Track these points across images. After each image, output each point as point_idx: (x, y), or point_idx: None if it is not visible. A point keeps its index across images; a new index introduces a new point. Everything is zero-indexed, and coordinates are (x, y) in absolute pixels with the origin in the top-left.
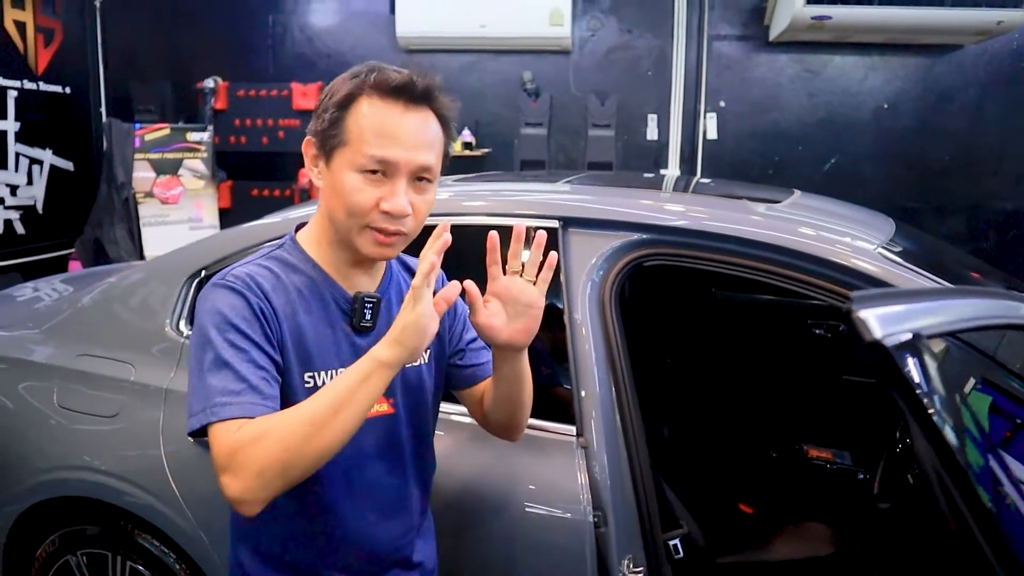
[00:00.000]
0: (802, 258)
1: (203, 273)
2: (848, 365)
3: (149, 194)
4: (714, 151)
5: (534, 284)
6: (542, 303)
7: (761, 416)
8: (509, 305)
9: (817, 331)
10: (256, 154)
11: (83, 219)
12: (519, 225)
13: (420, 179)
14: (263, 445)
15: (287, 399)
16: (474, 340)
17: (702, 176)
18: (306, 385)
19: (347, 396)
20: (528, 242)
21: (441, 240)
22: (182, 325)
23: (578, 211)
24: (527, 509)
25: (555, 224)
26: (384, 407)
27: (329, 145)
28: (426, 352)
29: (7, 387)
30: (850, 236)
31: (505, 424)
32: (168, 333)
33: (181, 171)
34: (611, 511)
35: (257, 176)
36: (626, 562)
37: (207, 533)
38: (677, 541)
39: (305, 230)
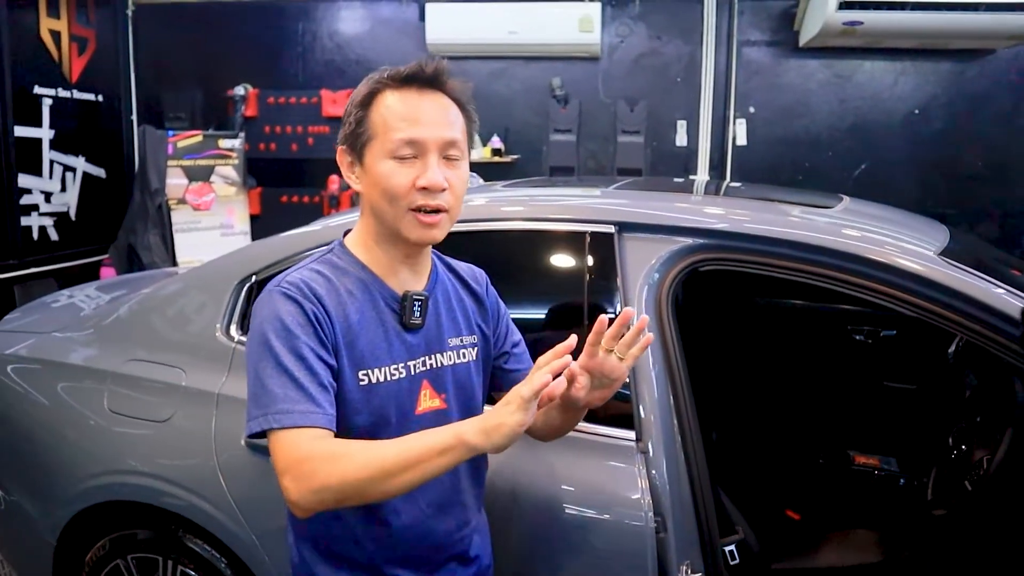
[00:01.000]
0: (863, 263)
1: (253, 278)
2: (889, 371)
3: (182, 201)
4: (743, 157)
5: (621, 360)
6: (625, 379)
7: (805, 422)
8: (596, 377)
9: (857, 337)
10: (286, 161)
11: (114, 226)
12: (628, 310)
13: (449, 156)
14: (330, 468)
15: (343, 397)
16: (517, 344)
17: (731, 182)
18: (360, 383)
19: (421, 459)
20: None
21: (561, 362)
22: (233, 330)
23: (635, 216)
24: (587, 514)
25: (611, 229)
26: (436, 402)
27: (359, 144)
28: (473, 350)
29: (56, 392)
30: (909, 241)
31: (542, 437)
32: (219, 338)
33: (213, 178)
34: (670, 516)
35: (286, 183)
36: (684, 568)
37: (259, 536)
38: (733, 547)
39: (352, 234)
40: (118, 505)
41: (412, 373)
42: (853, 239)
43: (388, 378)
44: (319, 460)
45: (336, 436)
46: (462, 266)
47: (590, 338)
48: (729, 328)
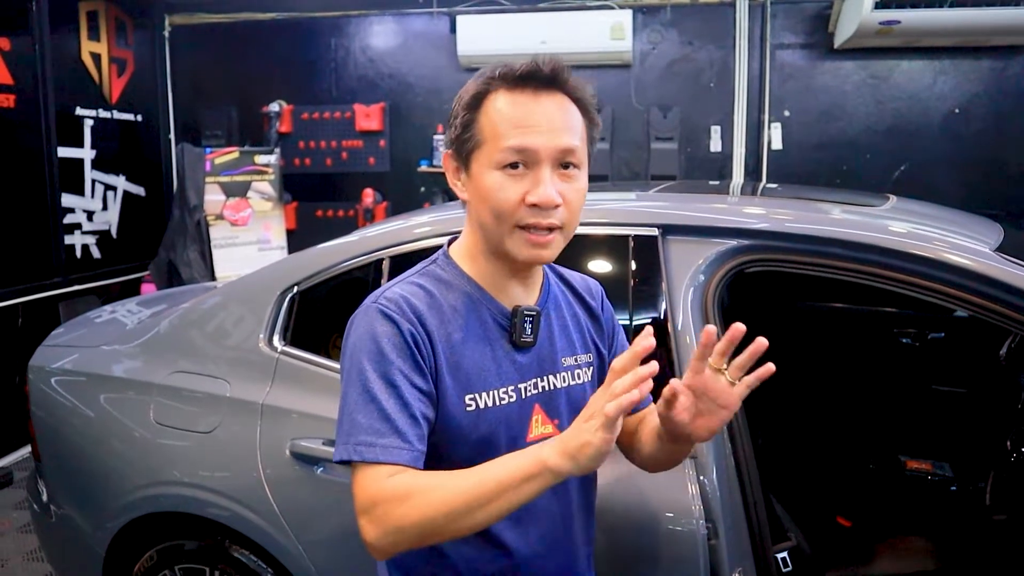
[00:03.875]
0: (917, 261)
1: (295, 289)
2: (937, 375)
3: (219, 216)
4: (779, 161)
5: (732, 385)
6: (736, 409)
7: (853, 427)
8: (701, 401)
9: (904, 340)
10: (320, 175)
11: (154, 243)
12: (738, 325)
13: (566, 165)
14: (406, 507)
15: (448, 423)
16: None
17: (769, 184)
18: (467, 408)
19: (503, 490)
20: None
21: (647, 369)
22: (275, 340)
23: (679, 218)
24: (638, 520)
25: (654, 232)
26: (549, 428)
27: (465, 150)
28: (588, 370)
29: (102, 405)
30: (962, 237)
31: (644, 466)
32: (262, 349)
33: (250, 193)
34: (722, 522)
35: (321, 197)
36: (737, 575)
37: (305, 546)
38: (785, 554)
39: (457, 244)
40: (165, 516)
41: (523, 397)
42: (905, 236)
43: (497, 402)
44: (393, 501)
45: (438, 467)
46: (575, 277)
47: (696, 353)
48: (774, 331)
